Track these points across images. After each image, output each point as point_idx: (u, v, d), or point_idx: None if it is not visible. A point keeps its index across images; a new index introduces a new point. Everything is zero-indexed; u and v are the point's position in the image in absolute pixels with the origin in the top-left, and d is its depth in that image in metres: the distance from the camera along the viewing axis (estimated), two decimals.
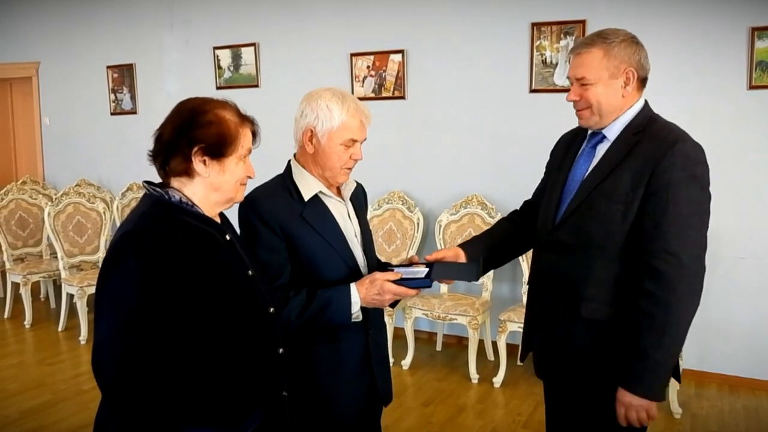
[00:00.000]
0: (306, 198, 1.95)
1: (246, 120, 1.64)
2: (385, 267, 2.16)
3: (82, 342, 5.09)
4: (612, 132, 1.91)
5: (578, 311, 1.88)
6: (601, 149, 1.93)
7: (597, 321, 1.88)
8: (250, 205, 1.93)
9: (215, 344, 1.54)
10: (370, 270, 2.07)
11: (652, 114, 1.92)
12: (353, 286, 1.91)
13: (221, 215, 1.72)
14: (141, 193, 6.32)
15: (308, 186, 1.97)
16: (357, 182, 2.17)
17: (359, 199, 2.17)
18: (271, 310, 1.72)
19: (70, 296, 5.28)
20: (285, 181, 2.00)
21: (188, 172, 1.56)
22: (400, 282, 1.90)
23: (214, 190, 1.60)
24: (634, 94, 1.90)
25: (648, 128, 1.86)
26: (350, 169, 2.00)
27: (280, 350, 1.74)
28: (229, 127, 1.57)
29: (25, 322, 5.51)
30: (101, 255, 5.60)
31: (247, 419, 1.62)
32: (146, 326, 1.43)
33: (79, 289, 5.09)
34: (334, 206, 2.02)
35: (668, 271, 1.75)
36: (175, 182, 1.59)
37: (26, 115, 7.38)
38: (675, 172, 1.76)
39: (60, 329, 5.37)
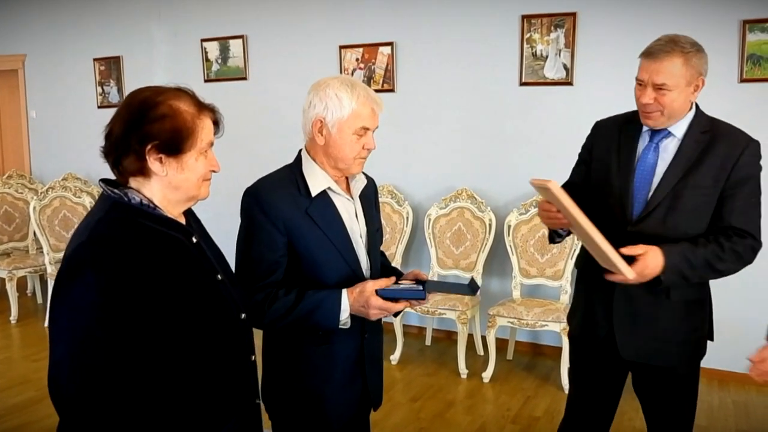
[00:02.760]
0: (314, 193, 1.88)
1: (205, 109, 1.48)
2: (392, 273, 2.10)
3: None
4: (679, 130, 2.08)
5: (666, 295, 2.08)
6: (669, 145, 2.09)
7: (684, 302, 2.11)
8: (254, 196, 1.86)
9: (184, 356, 1.44)
10: (373, 273, 2.01)
11: (707, 115, 2.13)
12: (344, 292, 1.85)
13: (189, 213, 1.61)
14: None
15: (317, 180, 1.89)
16: (367, 177, 2.08)
17: (369, 196, 2.08)
18: (243, 316, 1.61)
19: None
20: (293, 174, 1.91)
21: (143, 172, 1.42)
22: (391, 291, 1.85)
23: (173, 189, 1.46)
24: (695, 97, 2.08)
25: (714, 128, 2.07)
26: (364, 159, 1.92)
27: (252, 357, 1.65)
28: (185, 119, 1.42)
29: (11, 318, 5.46)
30: None
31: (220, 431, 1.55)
32: (106, 343, 1.32)
33: None
34: (341, 204, 1.94)
35: (740, 242, 2.03)
36: (133, 182, 1.46)
37: (12, 108, 7.29)
38: (754, 167, 2.04)
39: (46, 325, 5.30)
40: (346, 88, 1.84)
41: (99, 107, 6.52)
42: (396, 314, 1.98)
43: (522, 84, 4.55)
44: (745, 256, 2.04)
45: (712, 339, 2.26)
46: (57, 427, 1.43)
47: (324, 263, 1.89)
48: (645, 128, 2.12)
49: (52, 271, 5.28)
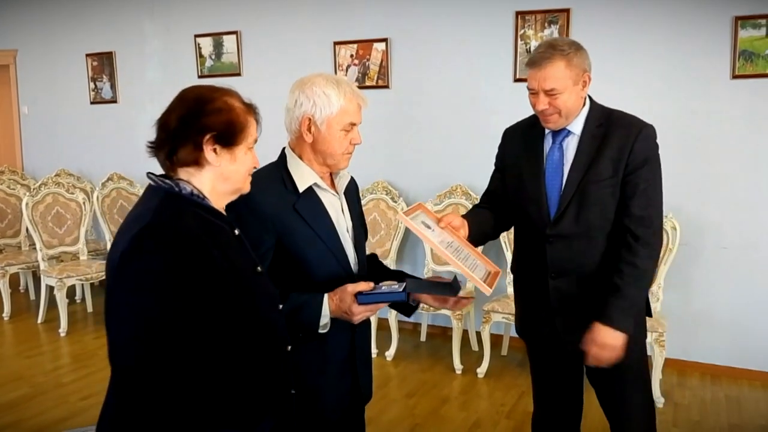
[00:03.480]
0: (301, 189, 1.89)
1: (251, 108, 1.59)
2: (380, 267, 2.10)
3: (62, 334, 5.03)
4: (577, 127, 2.15)
5: (599, 287, 2.11)
6: (570, 143, 2.16)
7: None
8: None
9: (230, 344, 1.49)
10: (360, 268, 2.02)
11: (601, 106, 2.19)
12: (326, 298, 1.85)
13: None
14: (122, 184, 6.15)
15: (303, 177, 1.91)
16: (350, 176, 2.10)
17: (352, 193, 2.11)
18: (281, 306, 1.67)
19: (50, 288, 5.21)
20: (279, 171, 1.93)
21: (198, 162, 1.50)
22: (371, 296, 1.84)
23: (223, 180, 1.54)
24: (585, 93, 2.16)
25: (609, 120, 2.14)
26: (350, 154, 1.95)
27: (288, 348, 1.69)
28: (238, 114, 1.53)
29: (4, 314, 5.44)
30: (81, 246, 5.53)
31: (262, 422, 1.59)
32: (166, 323, 1.37)
33: (59, 280, 5.02)
34: (327, 200, 1.95)
35: (645, 232, 2.08)
36: (182, 173, 1.52)
37: (4, 103, 7.24)
38: (648, 151, 2.09)
39: (39, 321, 5.31)
40: (332, 86, 1.86)
41: (92, 103, 6.49)
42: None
43: (516, 80, 4.56)
44: (656, 246, 2.13)
45: (650, 315, 2.31)
46: (108, 389, 1.50)
47: (312, 258, 1.90)
48: (547, 130, 2.19)
49: (44, 267, 5.25)
